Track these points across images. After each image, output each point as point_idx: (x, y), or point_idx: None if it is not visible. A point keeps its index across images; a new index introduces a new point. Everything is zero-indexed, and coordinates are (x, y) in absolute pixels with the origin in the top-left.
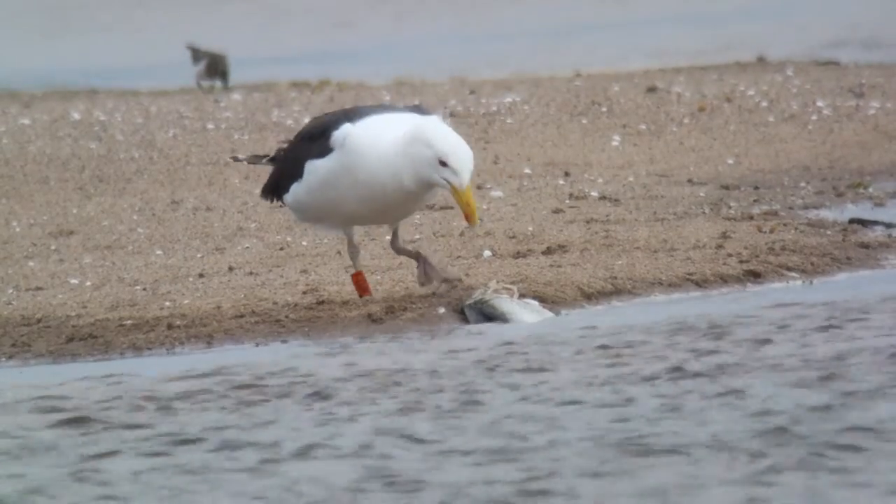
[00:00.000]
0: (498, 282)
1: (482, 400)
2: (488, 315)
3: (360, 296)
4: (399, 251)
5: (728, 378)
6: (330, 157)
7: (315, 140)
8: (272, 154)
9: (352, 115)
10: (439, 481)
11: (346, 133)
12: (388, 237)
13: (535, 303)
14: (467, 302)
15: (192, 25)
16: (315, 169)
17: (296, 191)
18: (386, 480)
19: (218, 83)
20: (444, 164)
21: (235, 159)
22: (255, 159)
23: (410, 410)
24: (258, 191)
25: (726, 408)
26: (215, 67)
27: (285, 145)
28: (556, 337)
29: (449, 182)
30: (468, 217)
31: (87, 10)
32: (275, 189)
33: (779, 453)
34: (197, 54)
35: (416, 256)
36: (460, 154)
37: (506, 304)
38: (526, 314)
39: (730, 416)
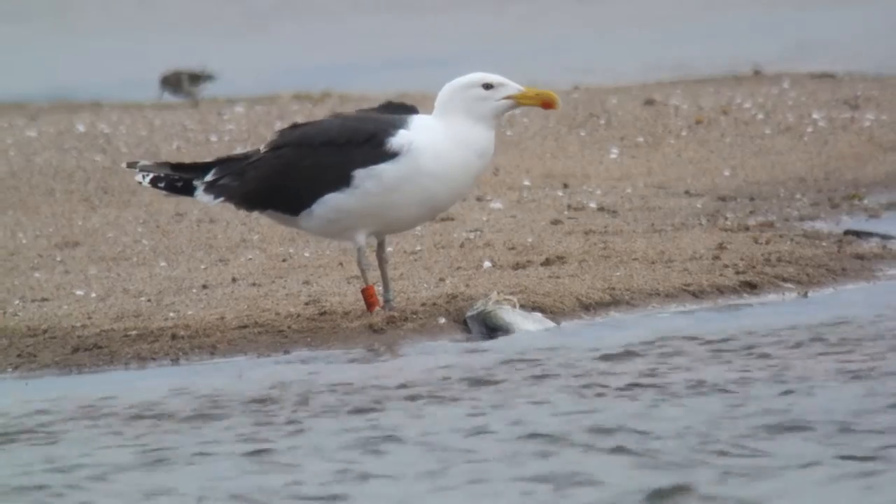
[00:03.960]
0: (499, 292)
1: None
2: (491, 326)
3: (370, 309)
4: (381, 261)
5: None
6: (396, 161)
7: (359, 146)
8: (207, 160)
9: (389, 122)
10: None
11: (409, 139)
12: (376, 247)
13: (538, 314)
14: (469, 313)
15: (194, 38)
16: (378, 174)
17: (336, 199)
18: None
19: (189, 96)
20: (488, 86)
21: (131, 165)
22: (158, 168)
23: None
24: (217, 199)
25: None
26: (178, 83)
27: (240, 154)
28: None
29: (508, 95)
30: (550, 103)
31: (91, 22)
32: (282, 199)
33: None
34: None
35: (386, 279)
36: (488, 74)
37: (509, 314)
38: (528, 325)
39: None
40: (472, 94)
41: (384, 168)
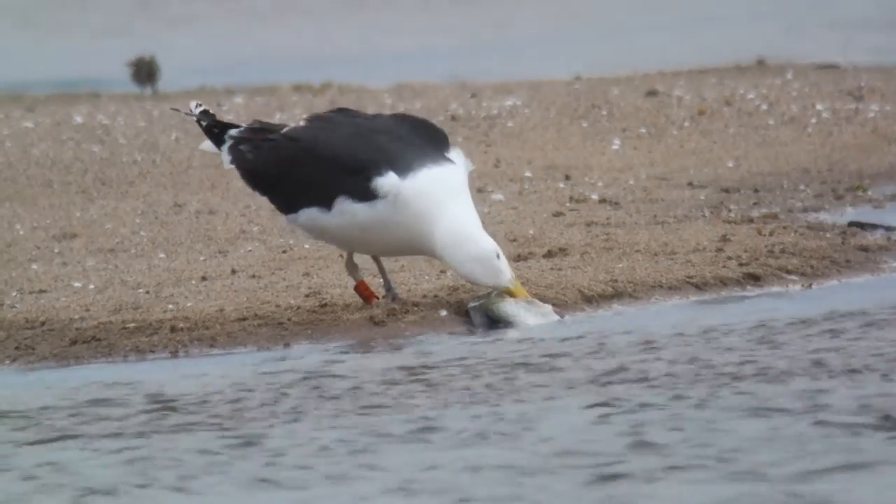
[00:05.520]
0: None
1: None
2: (493, 318)
3: (368, 302)
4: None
5: None
6: (374, 205)
7: (349, 175)
8: (247, 125)
9: (389, 157)
10: None
11: (396, 189)
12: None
13: (548, 306)
14: (471, 304)
15: (193, 30)
16: (353, 212)
17: (315, 216)
18: None
19: (148, 89)
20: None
21: (177, 110)
22: (207, 117)
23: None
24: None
25: None
26: (146, 72)
27: (270, 130)
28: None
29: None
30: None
31: (89, 13)
32: (276, 191)
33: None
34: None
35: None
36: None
37: (511, 306)
38: (530, 317)
39: None
40: (493, 264)
41: (360, 208)
